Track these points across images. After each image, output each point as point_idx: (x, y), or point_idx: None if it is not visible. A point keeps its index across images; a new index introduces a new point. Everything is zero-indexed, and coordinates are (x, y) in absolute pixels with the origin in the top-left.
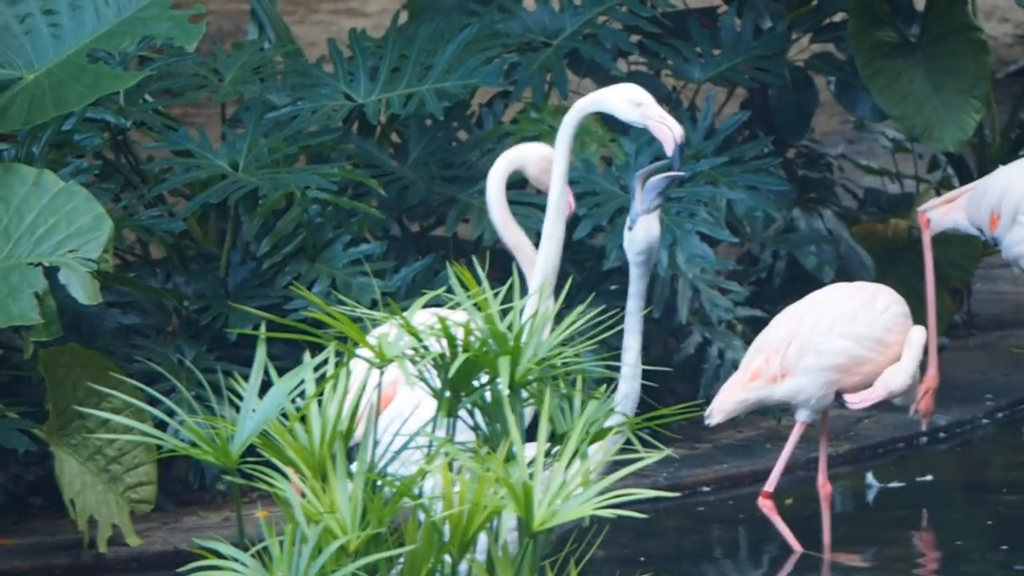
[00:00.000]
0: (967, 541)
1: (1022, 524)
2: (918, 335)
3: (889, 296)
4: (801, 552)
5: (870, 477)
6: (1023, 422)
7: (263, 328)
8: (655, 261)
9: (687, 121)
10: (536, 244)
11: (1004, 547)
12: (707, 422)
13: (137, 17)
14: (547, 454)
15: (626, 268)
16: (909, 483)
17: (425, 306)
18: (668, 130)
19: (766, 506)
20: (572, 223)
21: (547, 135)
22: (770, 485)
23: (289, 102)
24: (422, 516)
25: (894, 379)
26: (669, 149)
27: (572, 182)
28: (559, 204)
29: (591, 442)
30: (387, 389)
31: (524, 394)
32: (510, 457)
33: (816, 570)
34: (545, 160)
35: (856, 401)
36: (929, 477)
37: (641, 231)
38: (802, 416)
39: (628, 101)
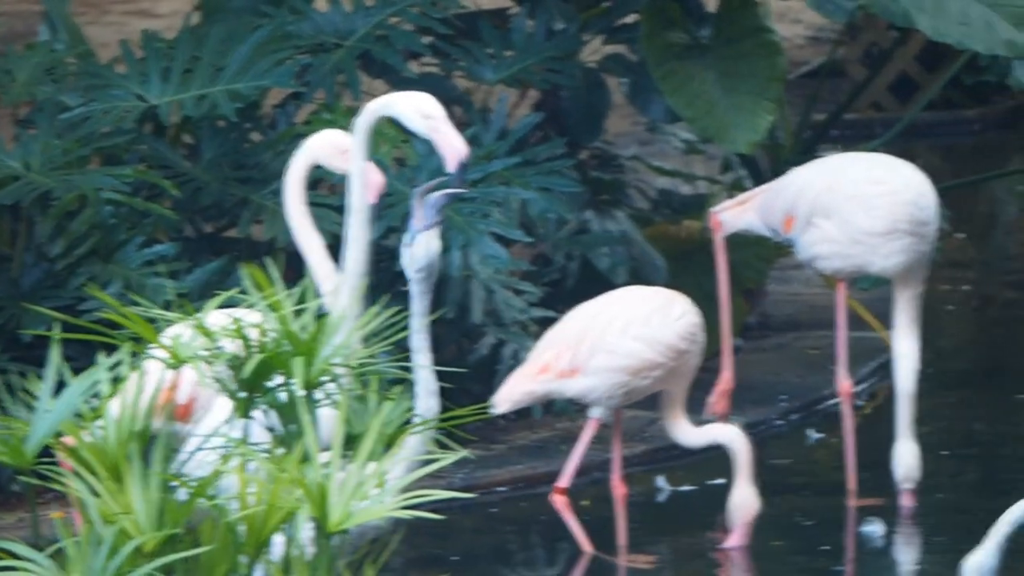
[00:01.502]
0: (781, 542)
1: (834, 525)
2: (742, 446)
3: (684, 304)
4: (593, 553)
5: (660, 480)
6: (817, 423)
7: (57, 329)
8: (435, 278)
9: (479, 122)
10: (332, 245)
11: (825, 547)
12: (492, 411)
13: None
14: (343, 455)
15: None
16: (702, 486)
17: (219, 307)
18: (452, 147)
19: (559, 502)
20: None
21: None
22: (563, 481)
23: (82, 103)
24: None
25: (745, 508)
26: (451, 166)
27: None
28: (361, 207)
29: (387, 443)
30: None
31: (319, 395)
32: (305, 458)
33: (610, 572)
34: (333, 145)
35: (731, 544)
36: (721, 481)
37: (421, 248)
38: (595, 413)
39: (417, 111)
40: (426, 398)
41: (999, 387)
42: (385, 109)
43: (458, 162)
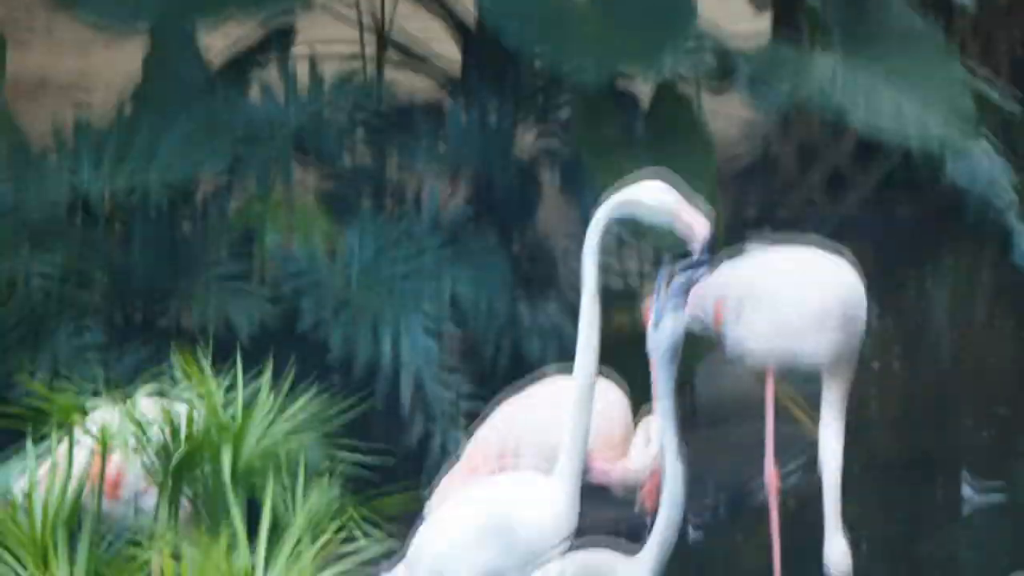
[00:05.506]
0: None
1: None
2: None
3: (614, 392)
4: None
5: None
6: (746, 513)
7: None
8: (679, 359)
9: (413, 212)
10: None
11: None
12: (427, 513)
13: None
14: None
15: (350, 361)
16: None
17: (148, 394)
18: (695, 229)
19: None
20: (294, 314)
21: (273, 225)
22: None
23: (14, 190)
24: None
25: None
26: (697, 247)
27: (297, 274)
28: (591, 312)
29: (313, 530)
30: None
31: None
32: (232, 546)
33: None
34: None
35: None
36: None
37: (668, 329)
38: None
39: (661, 203)
40: (675, 481)
41: (923, 478)
42: (625, 207)
43: (703, 242)
